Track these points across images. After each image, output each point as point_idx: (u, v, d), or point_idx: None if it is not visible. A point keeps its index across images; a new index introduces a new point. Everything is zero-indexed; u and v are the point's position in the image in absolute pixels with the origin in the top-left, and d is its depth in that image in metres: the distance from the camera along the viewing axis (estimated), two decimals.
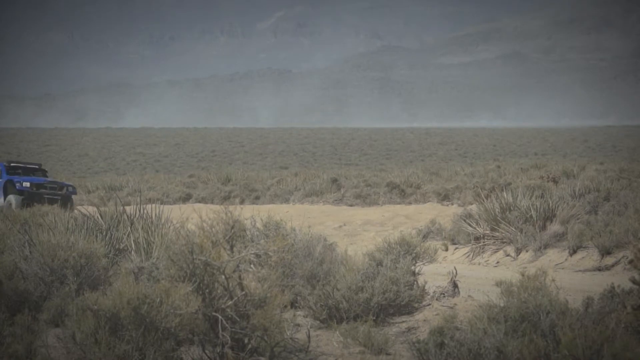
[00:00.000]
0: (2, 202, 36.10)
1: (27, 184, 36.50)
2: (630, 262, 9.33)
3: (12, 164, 38.60)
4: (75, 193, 37.81)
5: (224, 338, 7.94)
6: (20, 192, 36.23)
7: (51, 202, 34.52)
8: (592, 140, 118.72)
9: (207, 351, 8.06)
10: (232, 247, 8.21)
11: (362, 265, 10.82)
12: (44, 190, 36.64)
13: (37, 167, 39.29)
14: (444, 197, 37.29)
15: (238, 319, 7.99)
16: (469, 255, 20.10)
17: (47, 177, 38.67)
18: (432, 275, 13.66)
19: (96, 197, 43.33)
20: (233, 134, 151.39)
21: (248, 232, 8.85)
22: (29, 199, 35.69)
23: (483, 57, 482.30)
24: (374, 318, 10.09)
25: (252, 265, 8.26)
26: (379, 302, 10.28)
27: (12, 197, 35.92)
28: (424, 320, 10.49)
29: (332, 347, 9.30)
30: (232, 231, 8.21)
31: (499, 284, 9.12)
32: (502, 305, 8.32)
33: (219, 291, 8.05)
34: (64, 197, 36.73)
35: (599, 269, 17.25)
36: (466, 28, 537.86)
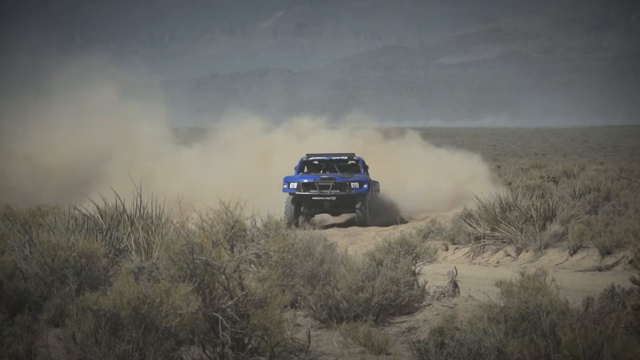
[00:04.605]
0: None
1: (295, 185, 29.05)
2: (631, 262, 9.33)
3: (310, 158, 31.20)
4: (364, 190, 29.10)
5: (224, 338, 7.94)
6: (298, 197, 28.92)
7: (318, 205, 29.01)
8: (592, 140, 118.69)
9: (207, 351, 8.06)
10: (232, 247, 8.21)
11: (362, 265, 10.82)
12: (314, 192, 29.05)
13: (345, 158, 31.17)
14: None
15: (238, 319, 7.99)
16: (469, 255, 20.10)
17: (360, 171, 30.47)
18: (432, 275, 13.67)
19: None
20: None
21: (248, 232, 8.84)
22: (300, 204, 28.92)
23: (483, 57, 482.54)
24: (374, 318, 10.09)
25: (252, 265, 8.26)
26: (379, 302, 10.28)
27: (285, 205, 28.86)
28: (424, 320, 10.50)
29: (332, 347, 9.30)
30: (233, 231, 8.21)
31: (499, 284, 9.12)
32: (502, 305, 8.32)
33: (219, 291, 8.05)
34: (341, 197, 29.09)
35: (599, 269, 17.27)
36: (466, 28, 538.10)
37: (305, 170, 30.81)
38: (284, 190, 29.05)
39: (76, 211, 12.84)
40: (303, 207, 28.97)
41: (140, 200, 12.93)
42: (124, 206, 12.82)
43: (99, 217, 12.59)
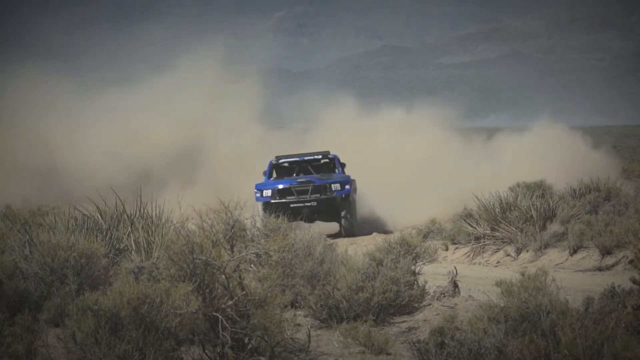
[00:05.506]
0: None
1: (269, 193, 26.06)
2: (631, 262, 9.33)
3: (280, 161, 28.06)
4: (347, 192, 26.50)
5: (224, 338, 7.94)
6: (273, 206, 25.38)
7: (297, 213, 25.18)
8: (592, 140, 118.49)
9: (207, 351, 8.06)
10: (232, 246, 8.20)
11: (362, 265, 10.82)
12: (291, 198, 26.18)
13: (319, 157, 28.07)
14: None
15: (238, 319, 7.99)
16: (469, 255, 20.12)
17: (337, 170, 27.69)
18: (433, 275, 13.67)
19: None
20: None
21: (248, 232, 8.84)
22: (273, 212, 24.36)
23: (483, 57, 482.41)
24: (374, 318, 10.09)
25: (252, 265, 8.26)
26: (379, 302, 10.28)
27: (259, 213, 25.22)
28: (424, 320, 10.50)
29: (332, 347, 9.30)
30: (232, 231, 8.21)
31: (499, 283, 9.12)
32: (502, 305, 8.32)
33: (219, 291, 8.05)
34: (322, 202, 26.26)
35: (600, 269, 17.27)
36: (466, 28, 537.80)
37: (275, 175, 27.89)
38: (257, 199, 26.13)
39: (76, 211, 12.84)
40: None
41: (140, 200, 12.92)
42: (123, 206, 12.82)
43: (99, 217, 12.59)
